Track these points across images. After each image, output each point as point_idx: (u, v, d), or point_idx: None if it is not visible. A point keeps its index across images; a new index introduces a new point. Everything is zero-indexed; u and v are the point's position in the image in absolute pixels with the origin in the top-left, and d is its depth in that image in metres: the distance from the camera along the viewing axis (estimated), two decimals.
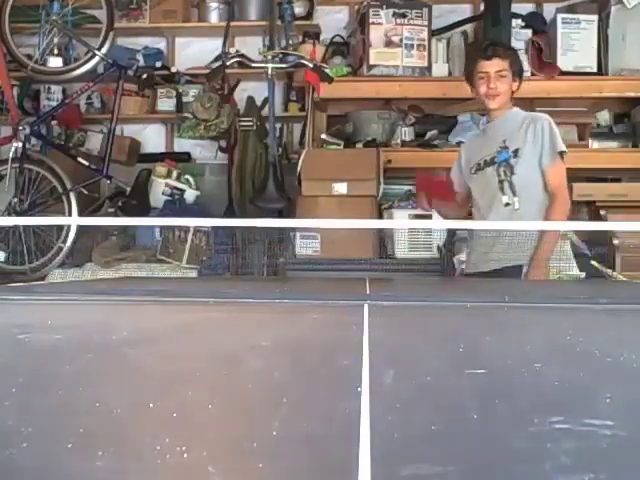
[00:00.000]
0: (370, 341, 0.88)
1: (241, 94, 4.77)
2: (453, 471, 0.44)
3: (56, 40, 4.63)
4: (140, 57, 5.02)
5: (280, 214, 4.10)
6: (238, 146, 4.44)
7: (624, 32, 4.39)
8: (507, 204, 2.87)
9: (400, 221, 3.97)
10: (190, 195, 4.64)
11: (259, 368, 0.77)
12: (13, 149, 4.23)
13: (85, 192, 4.38)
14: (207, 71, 4.45)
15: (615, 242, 3.91)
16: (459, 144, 3.81)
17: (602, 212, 4.23)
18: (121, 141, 4.82)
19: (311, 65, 4.09)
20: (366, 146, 4.39)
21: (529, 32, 4.48)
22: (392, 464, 0.45)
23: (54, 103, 4.89)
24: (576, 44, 4.41)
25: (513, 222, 2.83)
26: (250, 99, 4.59)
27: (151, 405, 0.59)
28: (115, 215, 4.40)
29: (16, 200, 4.21)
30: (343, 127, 4.55)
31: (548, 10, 4.73)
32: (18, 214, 4.17)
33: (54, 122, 4.83)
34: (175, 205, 4.51)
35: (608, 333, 1.12)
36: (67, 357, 0.83)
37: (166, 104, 4.97)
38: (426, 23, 4.45)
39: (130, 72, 4.60)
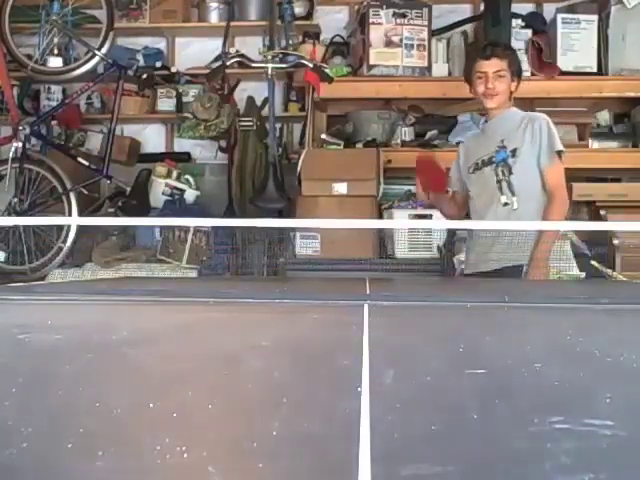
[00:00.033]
0: (370, 341, 0.88)
1: (241, 94, 4.77)
2: (453, 471, 0.44)
3: (56, 40, 4.63)
4: (140, 57, 5.02)
5: (280, 214, 4.10)
6: (238, 146, 4.44)
7: (624, 32, 4.39)
8: (506, 204, 2.87)
9: (400, 221, 3.97)
10: (190, 195, 4.64)
11: (259, 368, 0.77)
12: (13, 149, 4.23)
13: (85, 192, 4.39)
14: (207, 71, 4.45)
15: (615, 242, 3.91)
16: (459, 144, 3.80)
17: (602, 212, 4.24)
18: (121, 141, 4.82)
19: (311, 65, 4.09)
20: (366, 146, 4.39)
21: (529, 32, 4.48)
22: (392, 464, 0.45)
23: (54, 103, 4.89)
24: (576, 44, 4.41)
25: (512, 222, 2.83)
26: (250, 99, 4.59)
27: (151, 405, 0.59)
28: (115, 215, 4.40)
29: (16, 200, 4.21)
30: (343, 127, 4.55)
31: (548, 10, 4.73)
32: (18, 214, 4.17)
33: (54, 122, 4.83)
34: (175, 205, 4.51)
35: (608, 333, 1.12)
36: (67, 357, 0.83)
37: (166, 104, 4.97)
38: (426, 23, 4.46)
39: (130, 72, 4.60)
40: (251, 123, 4.41)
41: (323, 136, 4.50)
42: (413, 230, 3.90)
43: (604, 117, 4.66)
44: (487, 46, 3.02)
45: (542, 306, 1.46)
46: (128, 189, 4.54)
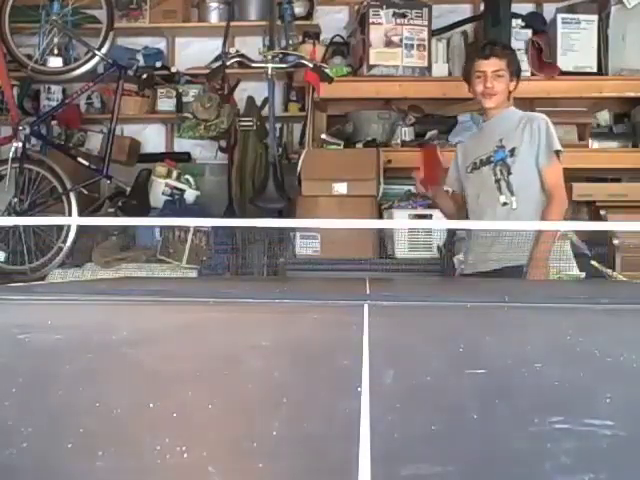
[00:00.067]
0: (370, 341, 0.88)
1: (241, 94, 4.77)
2: (453, 471, 0.44)
3: (56, 40, 4.63)
4: (140, 57, 5.02)
5: (280, 214, 4.10)
6: (238, 146, 4.44)
7: (624, 32, 4.39)
8: (505, 203, 2.87)
9: (400, 221, 3.97)
10: (190, 195, 4.64)
11: (259, 368, 0.77)
12: (13, 149, 4.23)
13: (85, 192, 4.39)
14: (207, 71, 4.45)
15: (615, 242, 3.91)
16: (457, 144, 3.80)
17: (602, 212, 4.24)
18: (121, 141, 4.82)
19: (311, 65, 4.09)
20: (366, 146, 4.39)
21: (529, 32, 4.48)
22: (392, 464, 0.45)
23: (54, 103, 4.89)
24: (576, 44, 4.41)
25: (512, 222, 2.83)
26: (250, 99, 4.59)
27: (151, 405, 0.59)
28: (115, 215, 4.40)
29: (16, 200, 4.21)
30: (343, 127, 4.55)
31: (548, 10, 4.73)
32: (18, 214, 4.17)
33: (54, 122, 4.83)
34: (175, 205, 4.51)
35: (608, 333, 1.12)
36: (67, 357, 0.83)
37: (166, 104, 4.97)
38: (426, 23, 4.45)
39: (130, 72, 4.60)
40: (251, 123, 4.41)
41: (323, 136, 4.50)
42: (413, 230, 3.90)
43: (604, 117, 4.66)
44: (486, 45, 3.02)
45: (542, 306, 1.46)
46: (128, 189, 4.54)
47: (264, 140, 4.39)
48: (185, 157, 5.01)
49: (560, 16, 4.45)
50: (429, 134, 4.48)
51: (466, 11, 4.94)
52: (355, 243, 3.86)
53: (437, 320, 1.25)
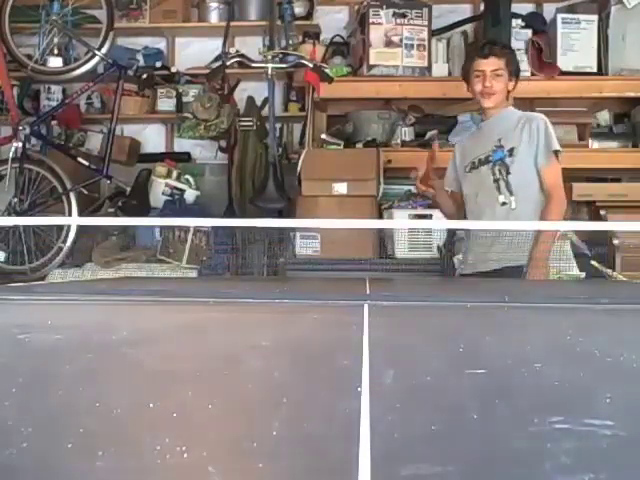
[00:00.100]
0: (370, 341, 0.88)
1: (241, 94, 4.77)
2: (453, 471, 0.44)
3: (56, 40, 4.63)
4: (140, 57, 5.02)
5: (280, 214, 4.10)
6: (238, 146, 4.44)
7: (624, 32, 4.39)
8: (504, 203, 2.86)
9: (400, 221, 3.97)
10: (190, 195, 4.64)
11: (259, 368, 0.77)
12: (13, 149, 4.24)
13: (85, 192, 4.39)
14: (207, 71, 4.45)
15: (615, 242, 3.91)
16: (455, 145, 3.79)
17: (602, 212, 4.24)
18: (121, 141, 4.82)
19: (311, 65, 4.09)
20: (366, 146, 4.39)
21: (529, 32, 4.49)
22: (392, 464, 0.45)
23: (54, 103, 4.89)
24: (576, 44, 4.41)
25: (512, 222, 2.83)
26: (250, 99, 4.59)
27: (151, 405, 0.59)
28: (115, 215, 4.40)
29: (16, 200, 4.21)
30: (343, 127, 4.55)
31: (548, 10, 4.74)
32: (18, 214, 4.18)
33: (54, 122, 4.83)
34: (175, 205, 4.51)
35: (608, 333, 1.12)
36: (67, 357, 0.83)
37: (166, 104, 4.97)
38: (426, 23, 4.46)
39: (130, 72, 4.61)
40: (251, 123, 4.41)
41: (323, 136, 4.50)
42: (413, 230, 3.90)
43: (604, 117, 4.66)
44: (485, 45, 3.01)
45: (542, 306, 1.46)
46: (128, 189, 4.54)
47: (264, 140, 4.39)
48: (185, 157, 5.01)
49: (560, 16, 4.45)
50: (429, 134, 4.48)
51: (466, 11, 4.94)
52: (355, 243, 3.86)
53: (437, 320, 1.25)
